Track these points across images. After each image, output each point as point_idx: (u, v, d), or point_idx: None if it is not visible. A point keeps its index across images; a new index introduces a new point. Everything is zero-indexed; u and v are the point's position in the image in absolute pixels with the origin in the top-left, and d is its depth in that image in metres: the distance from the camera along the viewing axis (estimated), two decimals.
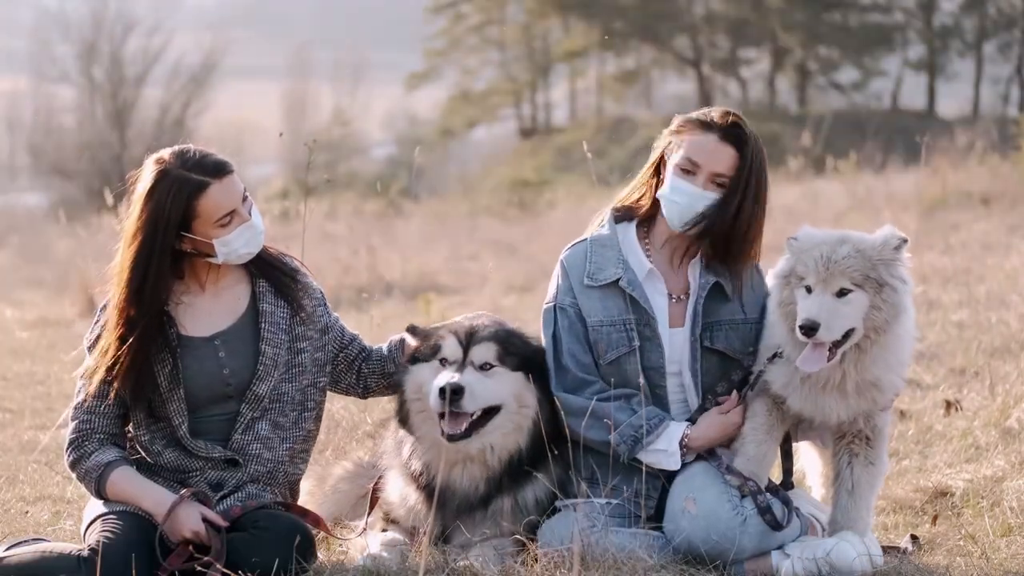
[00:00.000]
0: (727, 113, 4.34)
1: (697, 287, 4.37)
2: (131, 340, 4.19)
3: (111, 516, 4.16)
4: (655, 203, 4.42)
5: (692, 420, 4.31)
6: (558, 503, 4.30)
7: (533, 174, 37.56)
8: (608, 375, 4.31)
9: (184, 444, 4.29)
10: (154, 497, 4.17)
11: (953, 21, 42.21)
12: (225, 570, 3.97)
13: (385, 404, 4.57)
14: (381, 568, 4.14)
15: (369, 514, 4.55)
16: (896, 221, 11.51)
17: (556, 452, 4.27)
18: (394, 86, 50.93)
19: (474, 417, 4.22)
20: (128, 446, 4.36)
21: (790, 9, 41.20)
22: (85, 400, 4.29)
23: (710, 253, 4.37)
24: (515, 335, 4.37)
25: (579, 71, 46.31)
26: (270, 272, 4.43)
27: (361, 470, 4.91)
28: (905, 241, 4.03)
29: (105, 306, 4.32)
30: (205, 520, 4.12)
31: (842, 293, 3.98)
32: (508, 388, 4.27)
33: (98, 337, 4.28)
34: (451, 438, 4.19)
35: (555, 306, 4.40)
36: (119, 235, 4.31)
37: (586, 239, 4.46)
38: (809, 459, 4.78)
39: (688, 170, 4.30)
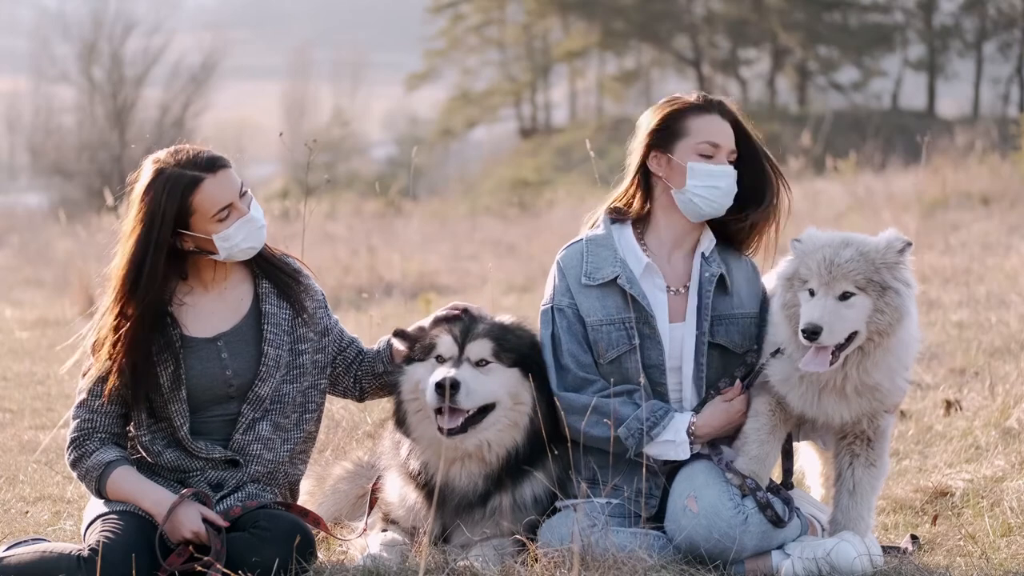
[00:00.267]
0: (700, 94, 4.42)
1: (702, 280, 4.37)
2: (128, 337, 4.19)
3: (111, 516, 4.16)
4: (648, 203, 4.42)
5: (696, 412, 4.31)
6: (558, 503, 4.30)
7: (533, 174, 37.55)
8: (609, 374, 4.31)
9: (184, 444, 4.29)
10: (154, 497, 4.17)
11: (953, 21, 42.20)
12: (225, 570, 3.97)
13: (385, 404, 4.58)
14: (381, 568, 4.14)
15: (368, 515, 4.55)
16: (896, 221, 11.53)
17: (556, 452, 4.27)
18: (394, 86, 50.95)
19: (470, 414, 4.22)
20: (129, 446, 4.37)
21: (790, 9, 41.20)
22: (87, 399, 4.29)
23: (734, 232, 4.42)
24: (510, 331, 4.37)
25: (579, 71, 46.30)
26: (273, 273, 4.43)
27: (361, 470, 4.91)
28: (909, 245, 4.03)
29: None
30: (205, 520, 4.12)
31: (845, 297, 3.97)
32: (504, 385, 4.27)
33: (98, 336, 4.29)
34: (448, 433, 4.19)
35: (552, 307, 4.39)
36: (118, 235, 4.31)
37: (582, 239, 4.46)
38: (809, 459, 4.79)
39: (708, 154, 4.33)
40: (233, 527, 4.15)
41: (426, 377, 4.26)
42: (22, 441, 6.62)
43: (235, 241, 4.26)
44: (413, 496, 4.38)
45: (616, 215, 4.48)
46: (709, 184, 4.32)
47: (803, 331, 3.95)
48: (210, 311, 4.37)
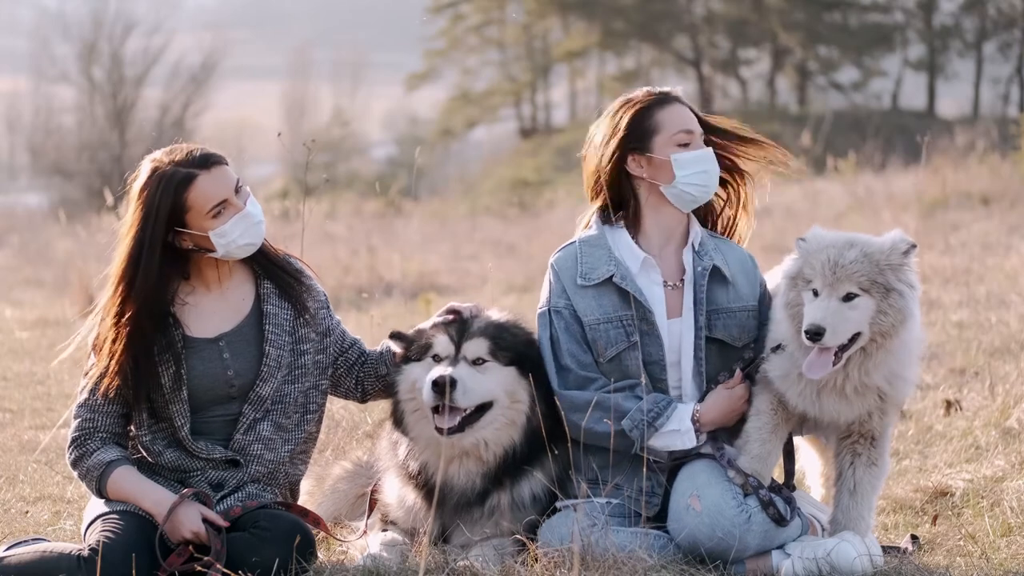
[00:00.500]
0: (650, 89, 4.47)
1: (695, 274, 4.37)
2: (128, 335, 4.20)
3: (112, 516, 4.16)
4: (633, 206, 4.41)
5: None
6: (558, 503, 4.30)
7: (533, 174, 37.53)
8: (609, 372, 4.31)
9: (185, 444, 4.29)
10: (154, 497, 4.17)
11: (953, 21, 42.17)
12: (225, 570, 3.98)
13: (385, 404, 4.58)
14: (381, 568, 4.14)
15: (368, 517, 4.55)
16: (896, 221, 11.54)
17: (556, 452, 4.27)
18: (394, 86, 50.93)
19: (467, 412, 4.22)
20: (130, 446, 4.37)
21: (790, 9, 41.17)
22: (88, 398, 4.30)
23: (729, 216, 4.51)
24: (507, 329, 4.37)
25: (579, 71, 46.28)
26: (275, 273, 4.43)
27: (360, 470, 4.92)
28: (914, 246, 4.02)
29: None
30: (205, 520, 4.13)
31: (849, 298, 3.97)
32: (501, 383, 4.27)
33: (99, 335, 4.29)
34: (447, 432, 4.19)
35: (549, 309, 4.39)
36: (118, 235, 4.32)
37: (575, 242, 4.46)
38: (809, 459, 4.79)
39: (686, 142, 4.36)
40: (233, 527, 4.15)
41: (423, 376, 4.26)
42: (22, 441, 6.62)
43: (232, 237, 4.26)
44: (412, 497, 4.38)
45: (606, 216, 4.47)
46: (698, 170, 4.35)
47: (806, 332, 3.95)
48: (212, 311, 4.37)
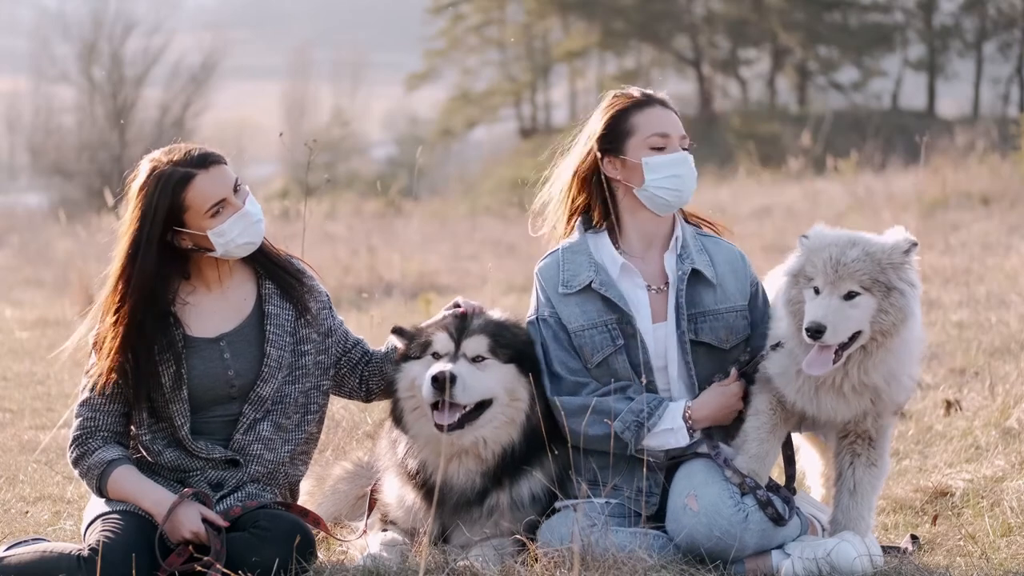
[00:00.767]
0: (638, 89, 4.44)
1: (676, 279, 4.36)
2: (128, 335, 4.20)
3: (112, 516, 4.16)
4: (613, 209, 4.40)
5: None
6: (558, 503, 4.30)
7: (534, 174, 37.48)
8: (598, 377, 4.32)
9: (185, 444, 4.29)
10: (154, 497, 4.17)
11: (953, 21, 42.18)
12: (225, 570, 3.98)
13: (385, 404, 4.58)
14: (381, 568, 4.14)
15: (368, 516, 4.55)
16: (896, 221, 11.51)
17: (556, 452, 4.27)
18: (394, 86, 50.92)
19: (467, 410, 4.22)
20: (131, 445, 4.37)
21: (790, 9, 41.17)
22: (89, 397, 4.30)
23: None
24: (506, 327, 4.37)
25: (579, 71, 46.28)
26: (276, 273, 4.44)
27: (360, 470, 4.92)
28: (915, 245, 4.02)
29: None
30: (205, 520, 4.13)
31: (850, 296, 3.97)
32: (500, 381, 4.27)
33: (99, 334, 4.29)
34: (446, 428, 4.18)
35: (536, 318, 4.40)
36: (117, 235, 4.33)
37: (558, 249, 4.46)
38: (809, 459, 4.78)
39: (660, 145, 4.34)
40: (233, 527, 4.15)
41: (422, 374, 4.26)
42: (22, 441, 6.62)
43: (230, 236, 4.26)
44: (411, 496, 4.38)
45: (588, 222, 4.47)
46: (669, 174, 4.32)
47: (807, 330, 3.95)
48: (213, 311, 4.37)
